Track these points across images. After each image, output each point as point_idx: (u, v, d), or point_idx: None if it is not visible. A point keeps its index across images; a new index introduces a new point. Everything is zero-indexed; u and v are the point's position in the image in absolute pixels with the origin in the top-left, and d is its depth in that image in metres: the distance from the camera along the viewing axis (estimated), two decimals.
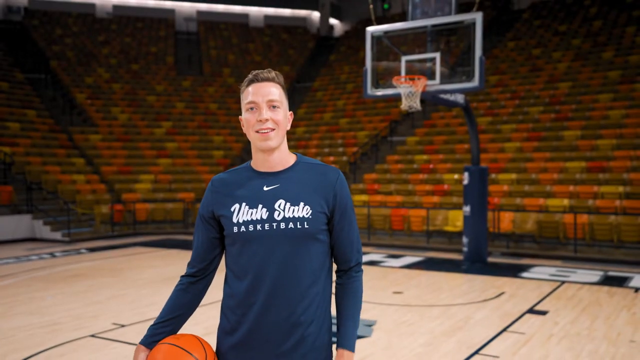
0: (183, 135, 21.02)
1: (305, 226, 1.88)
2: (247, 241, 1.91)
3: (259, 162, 1.97)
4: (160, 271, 9.93)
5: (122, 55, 25.62)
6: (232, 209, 1.93)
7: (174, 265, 10.68)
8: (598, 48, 19.80)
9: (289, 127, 1.98)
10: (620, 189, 12.32)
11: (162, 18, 29.78)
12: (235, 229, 1.91)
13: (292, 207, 1.89)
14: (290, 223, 1.88)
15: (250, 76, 1.95)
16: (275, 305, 1.88)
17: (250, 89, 1.93)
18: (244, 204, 1.92)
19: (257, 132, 1.91)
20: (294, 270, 1.88)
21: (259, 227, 1.89)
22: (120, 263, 10.92)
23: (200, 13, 30.51)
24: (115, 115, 21.17)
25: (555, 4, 24.72)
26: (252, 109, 1.92)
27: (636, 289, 8.24)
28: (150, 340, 2.00)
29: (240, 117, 2.00)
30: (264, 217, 1.89)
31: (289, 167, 1.97)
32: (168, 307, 2.05)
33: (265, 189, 1.93)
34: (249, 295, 1.90)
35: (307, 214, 1.88)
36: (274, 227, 1.88)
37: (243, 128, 1.96)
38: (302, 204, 1.89)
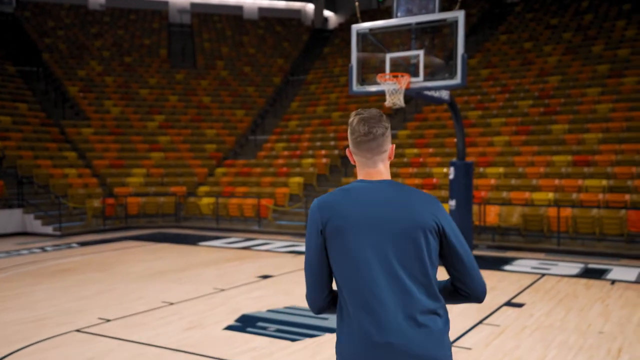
0: (176, 128, 21.11)
1: None
2: None
3: None
4: (150, 265, 10.08)
5: (115, 47, 25.63)
6: None
7: (164, 259, 10.83)
8: (588, 42, 19.92)
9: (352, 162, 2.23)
10: (604, 182, 12.50)
11: (156, 10, 29.75)
12: None
13: None
14: None
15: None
16: None
17: None
18: None
19: None
20: None
21: None
22: (111, 257, 11.07)
23: (194, 5, 30.48)
24: (107, 109, 21.23)
25: None
26: None
27: (613, 281, 8.44)
28: None
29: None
30: None
31: None
32: None
33: None
34: None
35: None
36: None
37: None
38: None
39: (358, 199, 2.01)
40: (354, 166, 2.22)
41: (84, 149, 18.65)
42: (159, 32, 28.03)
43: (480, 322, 6.34)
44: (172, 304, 7.24)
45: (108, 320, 6.44)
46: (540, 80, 18.46)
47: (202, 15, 30.17)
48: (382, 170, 2.11)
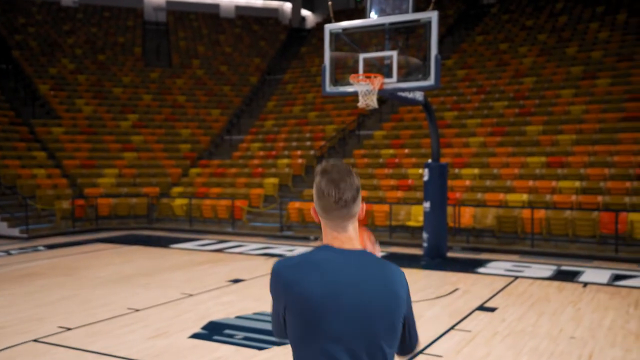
0: (150, 128, 20.74)
1: None
2: None
3: None
4: (118, 269, 9.81)
5: (88, 45, 25.10)
6: None
7: (133, 262, 10.56)
8: (562, 43, 20.10)
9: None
10: (577, 184, 12.57)
11: (130, 7, 29.24)
12: None
13: None
14: None
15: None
16: None
17: None
18: None
19: None
20: None
21: None
22: (78, 261, 10.76)
23: (169, 3, 30.04)
24: (79, 107, 20.76)
25: None
26: None
27: (585, 284, 8.44)
28: None
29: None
30: None
31: None
32: None
33: None
34: None
35: None
36: None
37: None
38: None
39: (328, 277, 1.77)
40: None
41: (53, 149, 18.18)
42: (133, 30, 27.56)
43: (452, 327, 6.25)
44: (137, 310, 7.02)
45: (69, 329, 6.20)
46: (516, 82, 18.55)
47: (177, 13, 29.75)
48: (352, 235, 1.88)
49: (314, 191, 1.91)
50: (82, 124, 19.85)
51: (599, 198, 11.90)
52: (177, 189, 17.34)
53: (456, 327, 6.26)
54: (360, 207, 1.93)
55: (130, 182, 17.48)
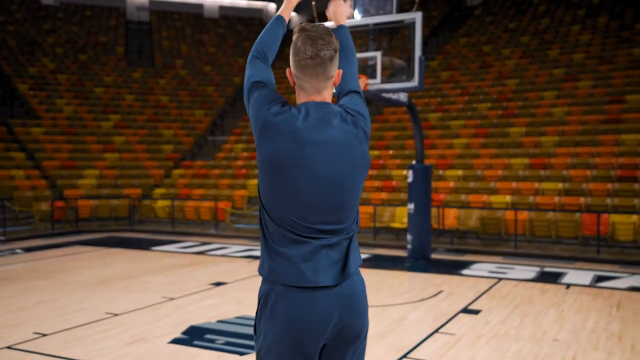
0: (132, 128, 20.48)
1: None
2: None
3: None
4: (97, 272, 9.62)
5: (69, 44, 24.75)
6: None
7: (112, 265, 10.37)
8: (545, 46, 20.25)
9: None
10: (560, 185, 12.64)
11: (113, 7, 28.90)
12: None
13: None
14: None
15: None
16: None
17: None
18: None
19: None
20: None
21: None
22: (56, 264, 10.54)
23: (152, 2, 29.75)
24: (60, 108, 20.43)
25: (506, 1, 25.16)
26: None
27: (568, 285, 8.46)
28: None
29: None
30: None
31: None
32: None
33: None
34: None
35: None
36: None
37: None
38: None
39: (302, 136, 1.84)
40: None
41: (33, 149, 17.85)
42: (115, 30, 27.23)
43: (436, 330, 6.20)
44: (116, 315, 6.86)
45: (44, 335, 6.03)
46: (499, 84, 18.65)
47: (160, 13, 29.47)
48: (327, 99, 1.91)
49: (291, 49, 1.89)
50: (62, 124, 19.53)
51: (581, 199, 11.98)
52: (159, 191, 17.12)
53: (440, 330, 6.20)
54: (337, 72, 1.90)
55: (111, 183, 17.22)
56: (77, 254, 11.70)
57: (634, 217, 10.87)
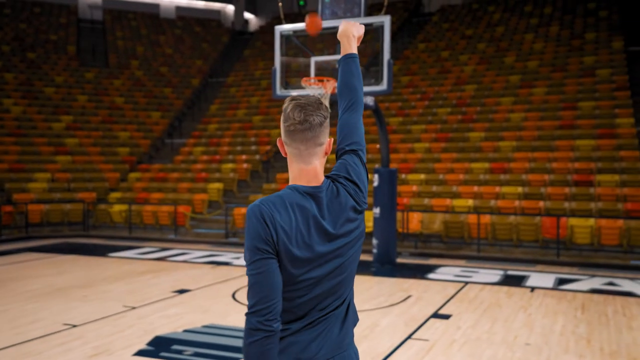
0: (85, 130, 19.74)
1: None
2: None
3: None
4: (50, 281, 9.14)
5: (17, 42, 23.70)
6: None
7: (67, 273, 9.89)
8: (500, 53, 20.73)
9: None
10: (520, 189, 12.89)
11: (64, 4, 27.88)
12: None
13: None
14: None
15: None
16: None
17: None
18: None
19: None
20: None
21: None
22: (6, 272, 9.96)
23: (105, 1, 28.85)
24: (7, 108, 19.51)
25: (462, 9, 25.66)
26: None
27: (532, 288, 8.59)
28: None
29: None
30: None
31: None
32: None
33: None
34: None
35: None
36: None
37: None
38: None
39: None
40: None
41: None
42: (66, 28, 26.27)
43: (409, 337, 6.14)
44: (74, 326, 6.50)
45: None
46: (458, 89, 18.95)
47: (114, 12, 28.63)
48: (317, 170, 1.86)
49: (281, 120, 1.87)
50: (10, 125, 18.65)
51: (541, 203, 12.25)
52: (115, 195, 16.55)
53: (413, 336, 6.15)
54: (327, 141, 1.89)
55: (64, 187, 16.53)
56: (28, 262, 11.12)
57: (591, 221, 11.18)
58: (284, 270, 1.76)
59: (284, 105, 1.88)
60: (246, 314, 1.73)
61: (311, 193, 1.84)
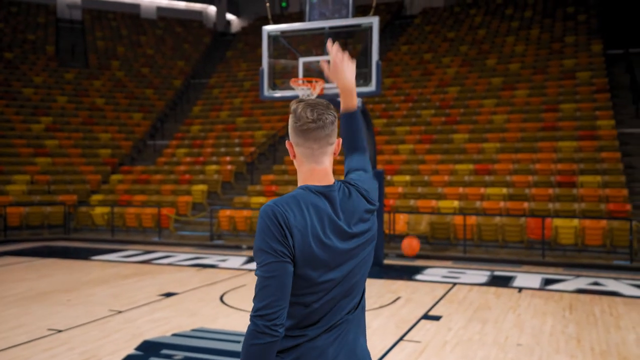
0: (65, 132, 19.41)
1: None
2: None
3: None
4: (32, 285, 8.93)
5: None
6: None
7: (49, 277, 9.68)
8: (482, 55, 20.92)
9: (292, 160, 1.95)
10: (504, 190, 12.99)
11: (42, 4, 27.43)
12: None
13: None
14: None
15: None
16: None
17: None
18: None
19: None
20: None
21: None
22: None
23: (85, 1, 28.44)
24: None
25: (444, 11, 25.85)
26: None
27: (520, 289, 8.64)
28: None
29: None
30: None
31: None
32: None
33: None
34: None
35: None
36: None
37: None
38: None
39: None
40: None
41: None
42: (45, 28, 25.83)
43: (401, 338, 6.11)
44: (60, 331, 6.35)
45: None
46: (441, 91, 19.06)
47: (94, 11, 28.24)
48: (328, 170, 1.86)
49: (289, 123, 1.86)
50: None
51: (525, 204, 12.36)
52: (97, 197, 16.28)
53: (405, 338, 6.13)
54: (337, 141, 1.90)
55: (44, 189, 16.22)
56: (8, 265, 10.87)
57: (575, 222, 11.31)
58: (301, 274, 1.73)
59: (292, 107, 1.87)
60: (252, 316, 1.70)
61: (324, 192, 1.82)
